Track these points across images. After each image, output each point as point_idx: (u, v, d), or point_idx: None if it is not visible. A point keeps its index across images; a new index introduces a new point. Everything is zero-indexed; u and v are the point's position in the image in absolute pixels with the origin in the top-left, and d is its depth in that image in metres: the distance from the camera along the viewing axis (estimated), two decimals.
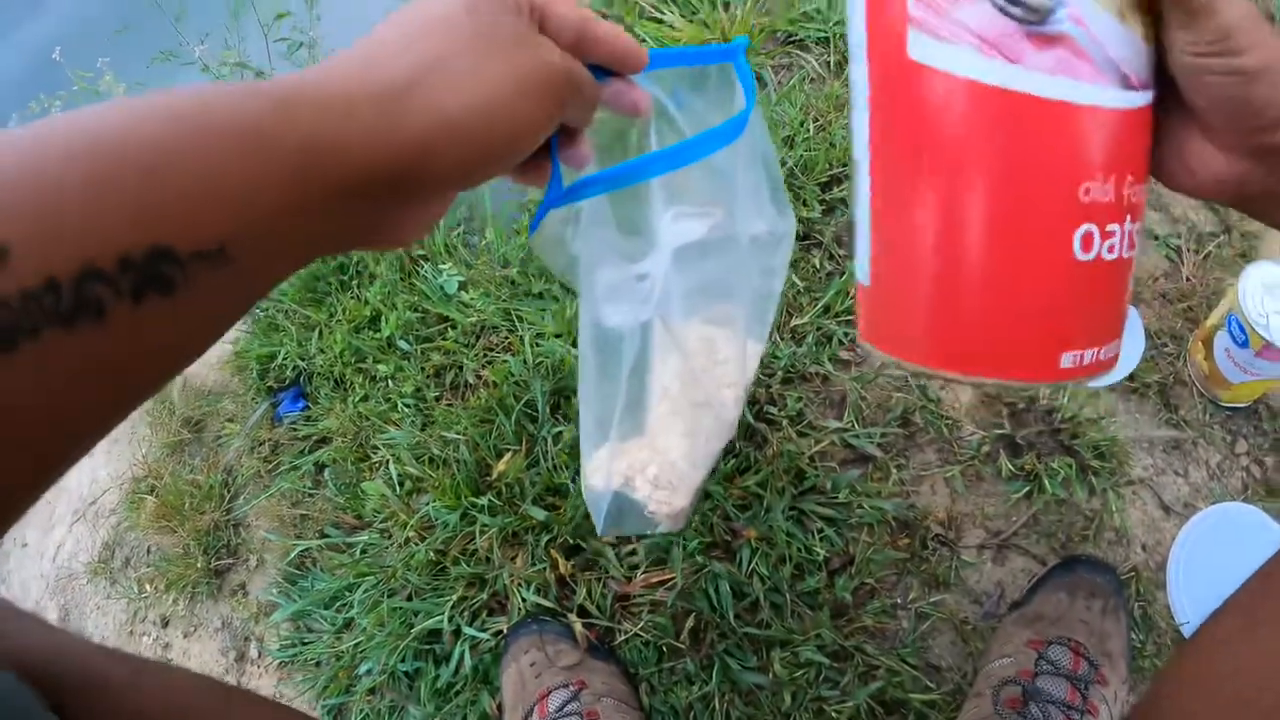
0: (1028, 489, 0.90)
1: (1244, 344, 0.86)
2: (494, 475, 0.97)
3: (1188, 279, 1.01)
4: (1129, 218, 0.36)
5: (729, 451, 0.92)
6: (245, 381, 1.29)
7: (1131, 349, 0.97)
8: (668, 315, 0.58)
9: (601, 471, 0.64)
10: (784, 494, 0.88)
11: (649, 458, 0.64)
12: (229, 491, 1.20)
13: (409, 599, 0.96)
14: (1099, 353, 0.37)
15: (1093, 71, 0.33)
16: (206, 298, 0.26)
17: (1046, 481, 0.89)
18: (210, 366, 1.43)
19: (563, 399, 1.00)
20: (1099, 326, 0.37)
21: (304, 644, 1.03)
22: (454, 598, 0.93)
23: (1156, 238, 1.03)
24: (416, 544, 0.98)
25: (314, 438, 1.16)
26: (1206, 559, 0.87)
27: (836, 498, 0.89)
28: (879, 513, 0.88)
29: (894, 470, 0.91)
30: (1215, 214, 1.09)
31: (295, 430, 1.18)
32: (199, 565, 1.14)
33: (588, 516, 0.92)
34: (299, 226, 0.28)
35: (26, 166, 0.23)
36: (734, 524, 0.89)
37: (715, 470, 0.87)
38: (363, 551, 1.03)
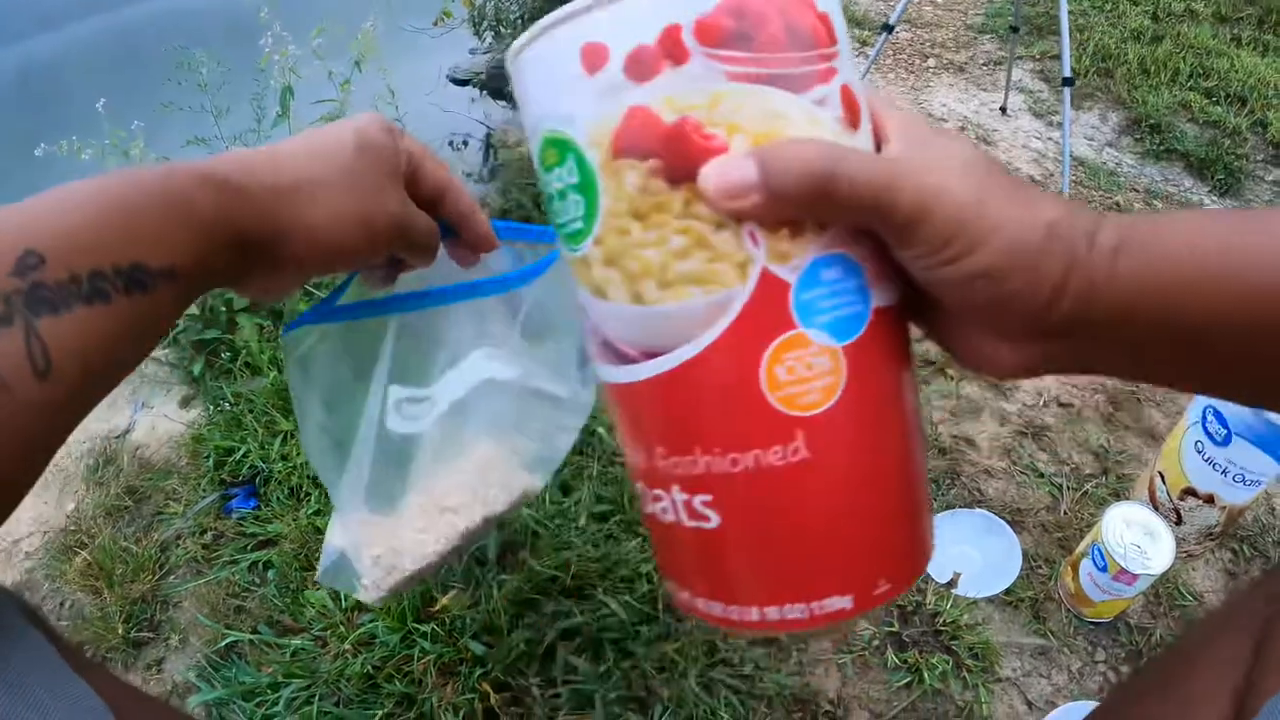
0: (909, 679, 1.02)
1: (1104, 569, 1.01)
2: (437, 607, 1.05)
3: (1065, 512, 1.17)
4: (676, 487, 0.35)
5: (651, 619, 1.03)
6: (198, 465, 1.33)
7: (1010, 567, 1.11)
8: (460, 428, 0.65)
9: (340, 531, 0.69)
10: (697, 662, 0.99)
11: (383, 540, 0.69)
12: (161, 568, 1.22)
13: (337, 705, 1.01)
14: (725, 610, 0.36)
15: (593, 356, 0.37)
16: (164, 298, 0.37)
17: (926, 674, 1.01)
18: (163, 443, 1.48)
19: (510, 551, 1.10)
20: (709, 583, 0.37)
21: None
22: (382, 713, 0.99)
23: (1042, 475, 1.19)
24: (353, 656, 1.04)
25: (260, 538, 1.20)
26: None
27: (743, 670, 1.00)
28: (779, 687, 0.99)
29: (795, 653, 1.03)
30: (1095, 458, 1.26)
31: (242, 526, 1.22)
32: (118, 632, 1.14)
33: (520, 656, 1.01)
34: (208, 261, 0.39)
35: (57, 208, 0.34)
36: (650, 682, 0.99)
37: (640, 635, 0.97)
38: (294, 654, 1.07)
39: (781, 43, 0.31)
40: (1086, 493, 1.20)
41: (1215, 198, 2.05)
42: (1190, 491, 1.12)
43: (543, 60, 0.34)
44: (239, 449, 1.28)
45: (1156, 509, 1.14)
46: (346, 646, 1.05)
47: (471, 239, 0.54)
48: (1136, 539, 1.01)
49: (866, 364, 0.33)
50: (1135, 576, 0.99)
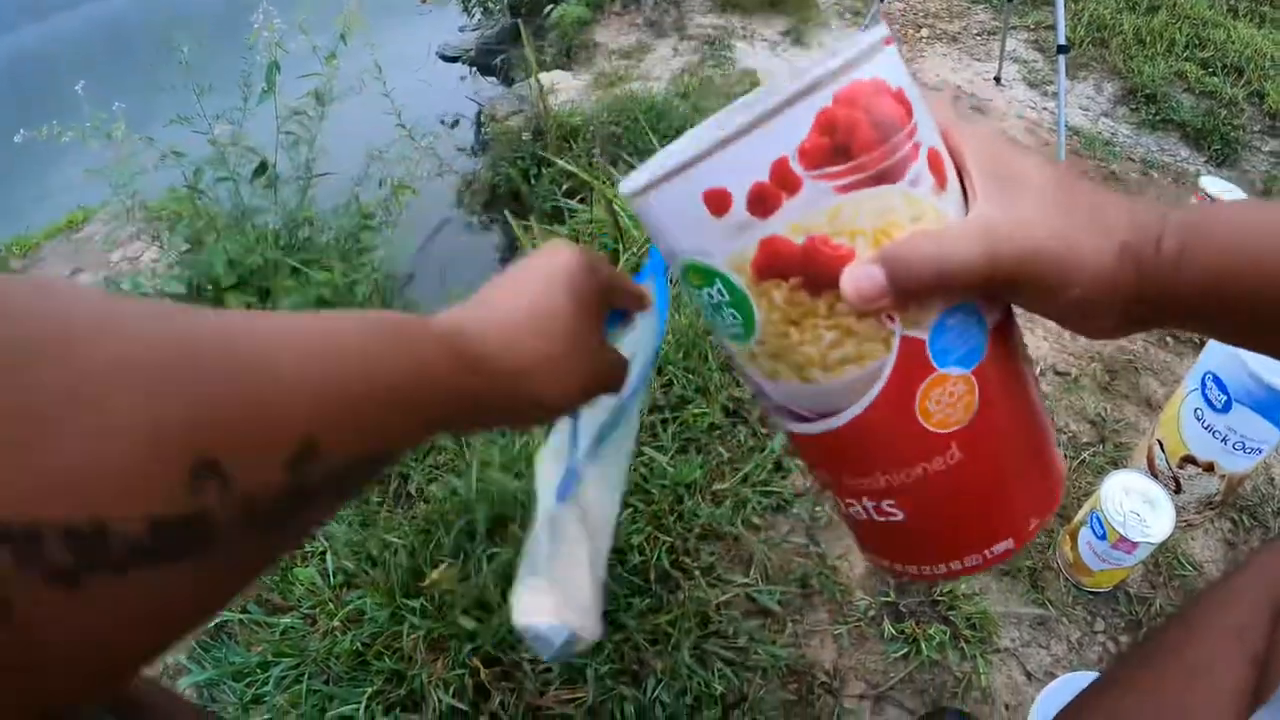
0: (906, 650, 1.00)
1: (1103, 537, 0.99)
2: (427, 582, 1.04)
3: None
4: (865, 498, 0.43)
5: (643, 591, 1.01)
6: None
7: None
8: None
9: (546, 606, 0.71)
10: (690, 634, 0.97)
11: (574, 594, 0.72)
12: None
13: (326, 683, 1.00)
14: (920, 569, 0.46)
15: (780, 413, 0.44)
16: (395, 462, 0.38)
17: (923, 645, 0.99)
18: None
19: (500, 524, 1.08)
20: (905, 554, 0.46)
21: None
22: (371, 690, 0.97)
23: None
24: (341, 634, 1.03)
25: None
26: None
27: (737, 642, 0.98)
28: (773, 659, 0.98)
29: (790, 624, 1.01)
30: (1093, 426, 1.24)
31: None
32: None
33: (511, 632, 0.99)
34: (450, 428, 0.42)
35: (340, 385, 0.31)
36: (643, 655, 0.97)
37: (631, 606, 0.97)
38: (283, 633, 1.06)
39: (873, 140, 0.35)
40: (1084, 461, 1.18)
41: (1212, 168, 2.03)
42: (1189, 459, 1.10)
43: (667, 205, 0.38)
44: None
45: (1155, 477, 1.12)
46: (335, 624, 1.04)
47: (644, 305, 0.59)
48: (1136, 507, 0.99)
49: (993, 373, 0.40)
50: (1135, 545, 0.97)
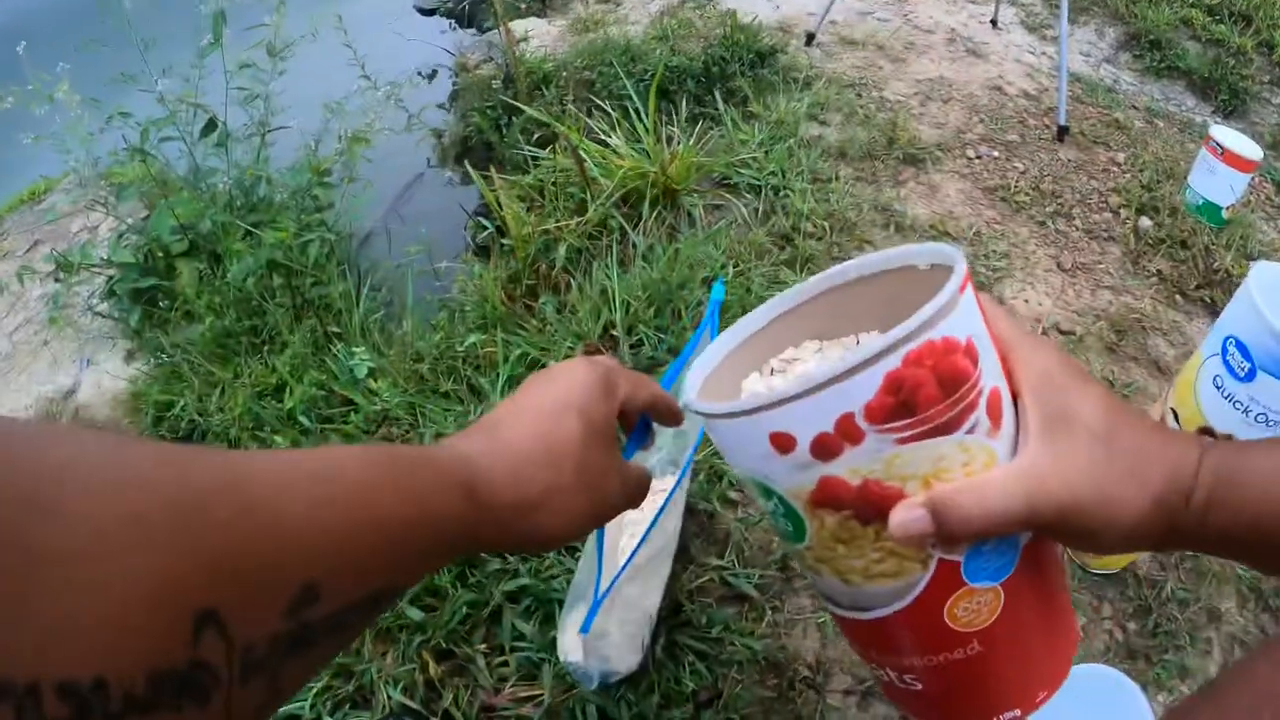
0: None
1: None
2: None
3: None
4: (889, 668, 0.47)
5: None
6: (138, 423, 1.26)
7: None
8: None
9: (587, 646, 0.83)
10: (660, 624, 0.89)
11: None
12: None
13: None
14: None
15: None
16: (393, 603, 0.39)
17: None
18: (106, 402, 1.39)
19: None
20: (923, 713, 0.50)
21: None
22: (319, 686, 0.91)
23: None
24: None
25: None
26: (1065, 716, 0.90)
27: (710, 633, 0.90)
28: (750, 651, 0.90)
29: (769, 612, 0.93)
30: None
31: None
32: None
33: (464, 621, 0.92)
34: (447, 561, 0.47)
35: (338, 532, 0.32)
36: None
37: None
38: None
39: (937, 398, 0.37)
40: None
41: (1219, 118, 1.94)
42: (1207, 430, 1.01)
43: (735, 435, 0.41)
44: (177, 403, 1.20)
45: None
46: None
47: (675, 420, 0.59)
48: None
49: (1021, 583, 0.43)
50: None
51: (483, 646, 0.90)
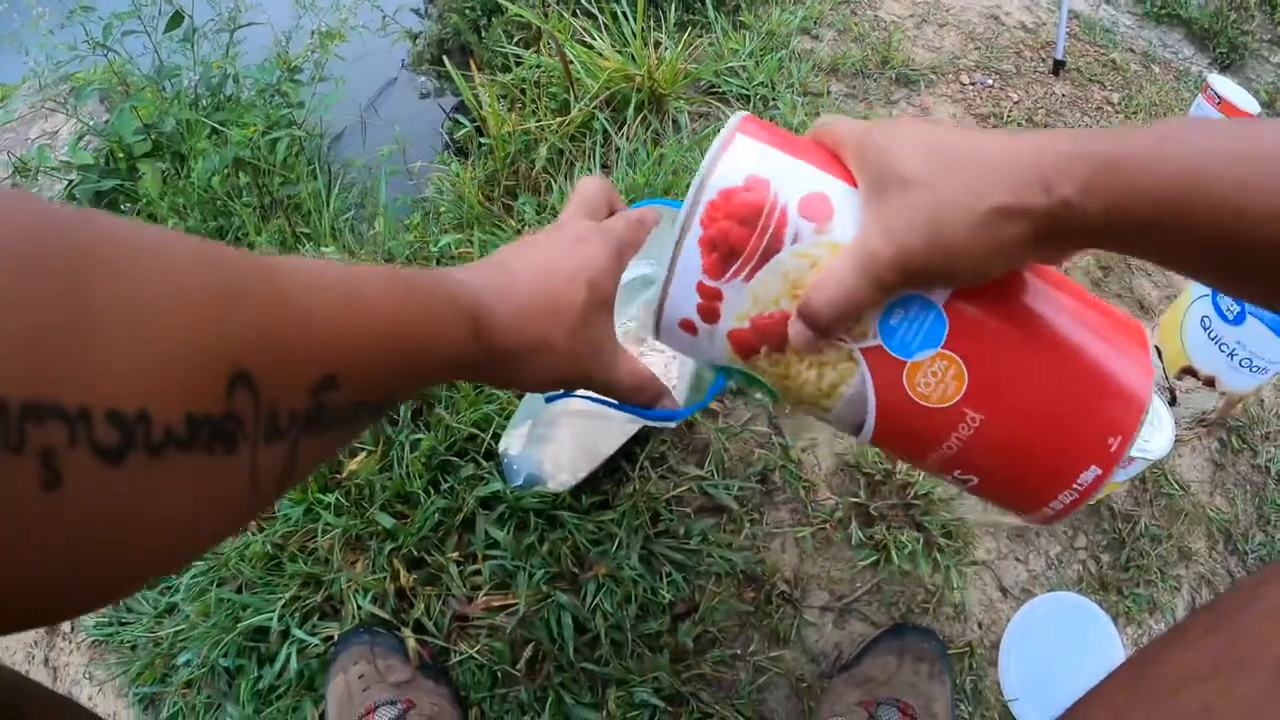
0: (875, 558, 0.91)
1: None
2: (344, 474, 0.93)
3: None
4: (940, 471, 0.50)
5: (593, 488, 0.91)
6: None
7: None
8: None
9: (519, 442, 0.88)
10: (638, 533, 0.87)
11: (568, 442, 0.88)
12: None
13: (239, 591, 0.90)
14: (1021, 516, 0.51)
15: None
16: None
17: (894, 553, 0.90)
18: None
19: (426, 405, 0.96)
20: (1006, 504, 0.51)
21: (122, 624, 0.95)
22: (286, 596, 0.88)
23: None
24: (254, 534, 0.93)
25: None
26: (1038, 642, 0.90)
27: (688, 544, 0.88)
28: (728, 564, 0.88)
29: (747, 524, 0.91)
30: None
31: None
32: None
33: (436, 528, 0.90)
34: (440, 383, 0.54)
35: (360, 331, 0.36)
36: (586, 557, 0.87)
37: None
38: None
39: (745, 234, 0.44)
40: None
41: (1216, 70, 1.92)
42: (1190, 371, 1.00)
43: (671, 342, 0.51)
44: None
45: None
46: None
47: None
48: None
49: (969, 340, 0.44)
50: (1131, 459, 0.88)
51: (455, 554, 0.88)
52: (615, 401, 0.58)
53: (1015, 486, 0.48)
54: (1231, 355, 0.95)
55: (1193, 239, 0.38)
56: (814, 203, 0.44)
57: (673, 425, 0.87)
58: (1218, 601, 0.39)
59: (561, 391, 0.63)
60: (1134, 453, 0.87)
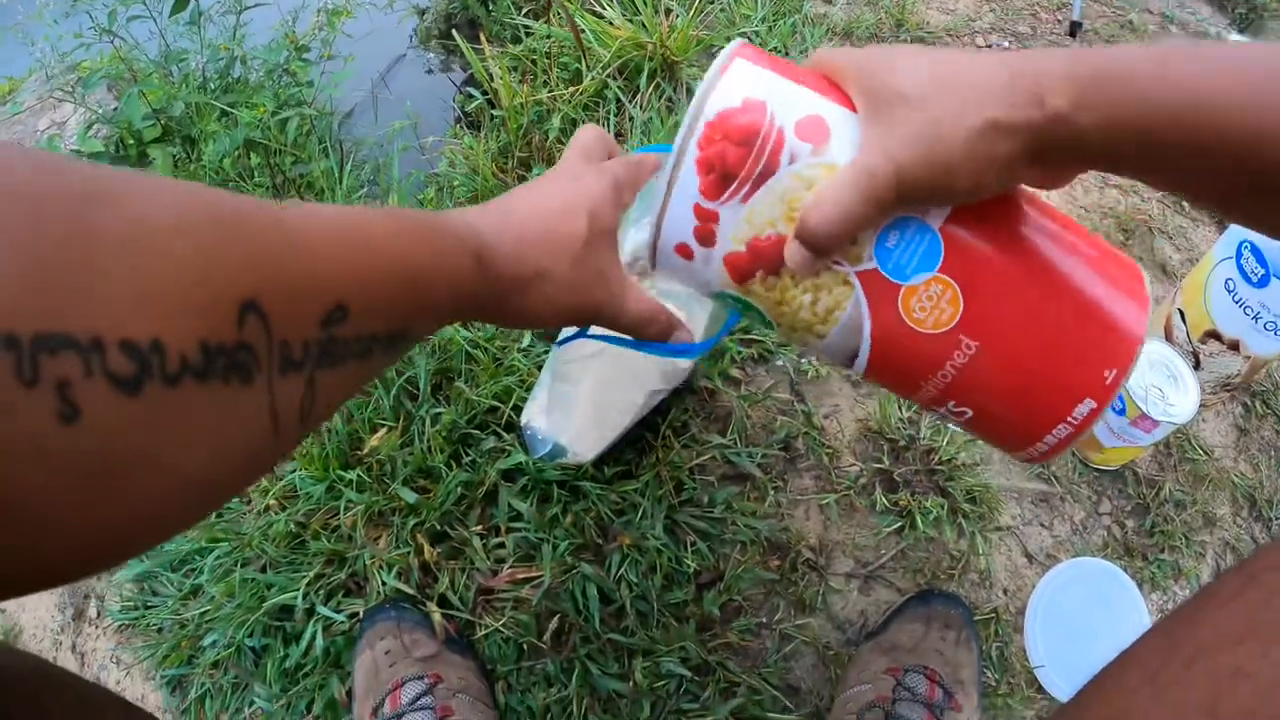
0: (900, 524, 0.91)
1: (1121, 412, 0.89)
2: (365, 450, 0.92)
3: None
4: (932, 404, 0.50)
5: (615, 459, 0.91)
6: None
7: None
8: None
9: (544, 414, 0.87)
10: (661, 503, 0.87)
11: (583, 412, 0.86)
12: None
13: (263, 570, 0.91)
14: (1020, 452, 0.51)
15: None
16: (400, 354, 0.47)
17: (919, 519, 0.90)
18: None
19: (446, 379, 0.96)
20: (998, 441, 0.52)
21: (147, 608, 0.96)
22: (310, 574, 0.88)
23: None
24: (276, 513, 0.93)
25: None
26: (1064, 608, 0.89)
27: (712, 512, 0.88)
28: (753, 532, 0.88)
29: (771, 492, 0.91)
30: None
31: None
32: None
33: (459, 502, 0.89)
34: (445, 324, 0.50)
35: (366, 260, 0.36)
36: (609, 528, 0.87)
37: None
38: (219, 515, 0.96)
39: (742, 155, 0.44)
40: None
41: (1235, 32, 1.89)
42: (1213, 334, 0.99)
43: (666, 268, 0.50)
44: None
45: None
46: (270, 501, 0.93)
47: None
48: (1159, 381, 0.89)
49: (965, 265, 0.44)
50: (1155, 423, 0.87)
51: (478, 528, 0.88)
52: (629, 339, 0.58)
53: (1011, 418, 0.47)
54: (1256, 319, 0.94)
55: (1194, 157, 0.38)
56: (811, 125, 0.44)
57: (691, 361, 0.85)
58: (1248, 563, 0.38)
59: (574, 331, 0.63)
60: (1158, 416, 0.86)
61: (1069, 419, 0.45)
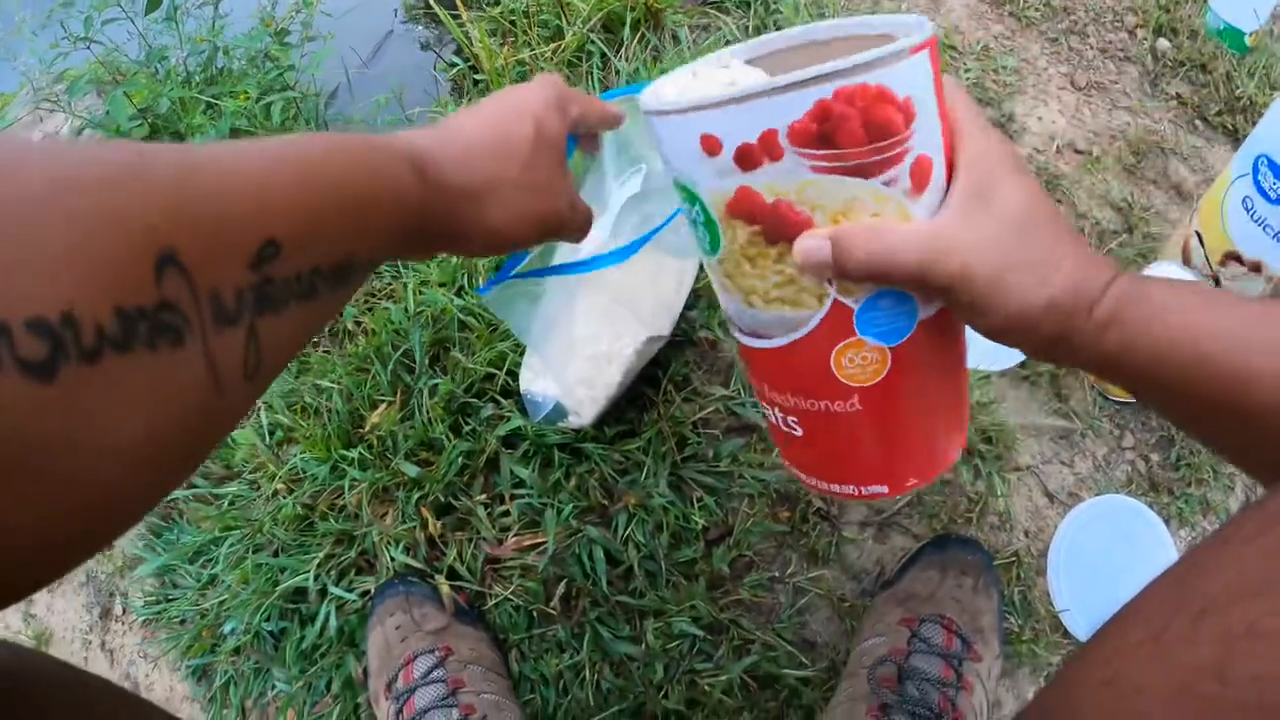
0: None
1: None
2: (367, 427, 0.92)
3: None
4: (777, 408, 0.51)
5: (616, 417, 0.89)
6: None
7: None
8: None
9: (540, 378, 0.87)
10: (665, 460, 0.85)
11: (578, 373, 0.85)
12: None
13: (275, 555, 0.91)
14: (806, 479, 0.55)
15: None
16: (355, 288, 0.40)
17: None
18: None
19: (442, 350, 0.95)
20: (799, 465, 0.55)
21: (169, 600, 0.97)
22: (321, 555, 0.88)
23: None
24: (284, 497, 0.93)
25: None
26: (1088, 549, 0.87)
27: (718, 466, 0.86)
28: (760, 484, 0.86)
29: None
30: (1119, 213, 1.09)
31: None
32: None
33: (461, 473, 0.89)
34: (399, 250, 0.46)
35: (294, 186, 0.33)
36: (614, 489, 0.86)
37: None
38: (230, 503, 0.97)
39: (859, 138, 0.39)
40: (1110, 252, 1.04)
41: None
42: (1234, 256, 0.95)
43: (669, 133, 0.44)
44: None
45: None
46: (278, 486, 0.93)
47: (615, 124, 0.64)
48: None
49: (911, 356, 0.46)
50: None
51: (482, 497, 0.87)
52: (550, 267, 0.61)
53: (822, 458, 0.52)
54: (1277, 237, 0.90)
55: (1183, 400, 0.41)
56: (926, 168, 0.42)
57: (670, 302, 0.87)
58: (1267, 500, 0.35)
59: (497, 275, 0.64)
60: None
61: (860, 488, 0.51)
